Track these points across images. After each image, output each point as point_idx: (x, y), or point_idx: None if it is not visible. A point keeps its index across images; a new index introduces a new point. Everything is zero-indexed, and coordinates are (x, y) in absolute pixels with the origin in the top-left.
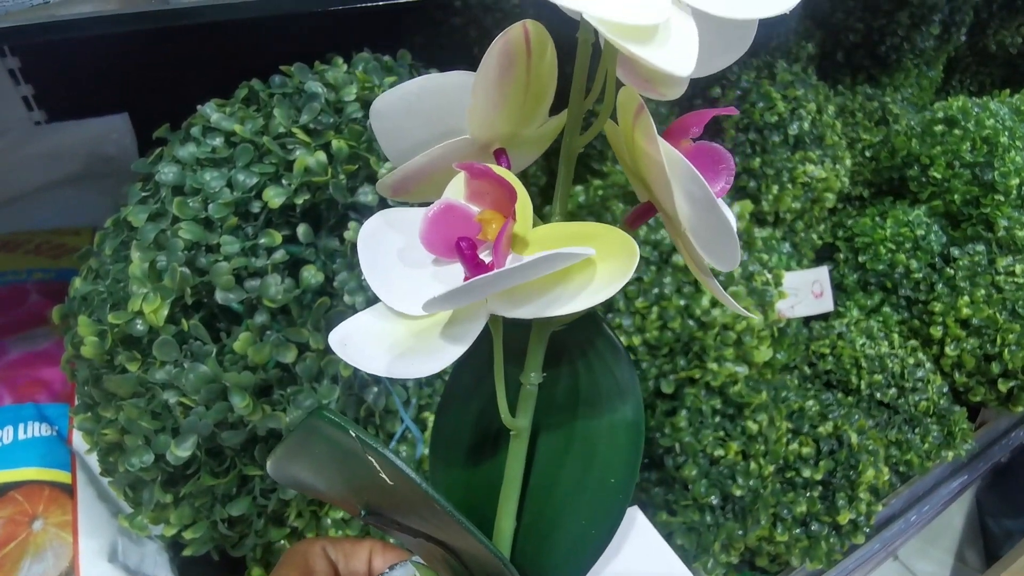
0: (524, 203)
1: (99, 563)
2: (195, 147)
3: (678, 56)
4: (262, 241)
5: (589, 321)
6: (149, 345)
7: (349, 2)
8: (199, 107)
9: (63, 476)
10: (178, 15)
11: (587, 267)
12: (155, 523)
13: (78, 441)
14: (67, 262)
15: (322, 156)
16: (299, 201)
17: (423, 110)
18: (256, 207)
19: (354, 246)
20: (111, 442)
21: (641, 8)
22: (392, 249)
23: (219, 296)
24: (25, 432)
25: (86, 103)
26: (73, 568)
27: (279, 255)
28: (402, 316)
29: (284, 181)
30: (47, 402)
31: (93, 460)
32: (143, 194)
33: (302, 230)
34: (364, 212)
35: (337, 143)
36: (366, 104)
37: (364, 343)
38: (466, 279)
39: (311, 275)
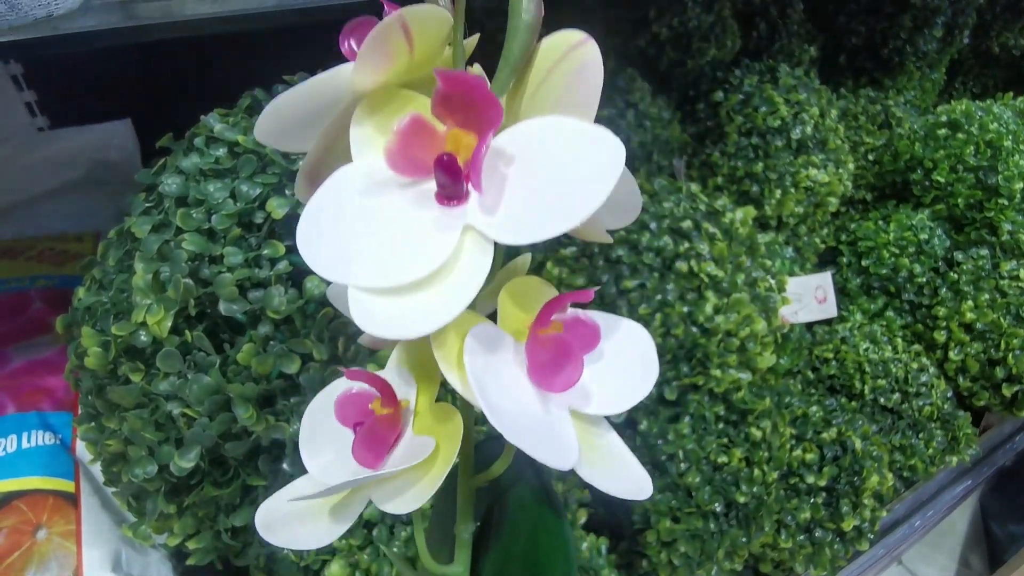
0: (421, 394)
1: (103, 573)
2: (198, 158)
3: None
4: (265, 252)
5: (541, 493)
6: (153, 356)
7: (349, 12)
8: (202, 117)
9: (67, 485)
10: (179, 27)
11: (433, 458)
12: (159, 533)
13: (81, 450)
14: (70, 269)
15: None
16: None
17: (305, 113)
18: (259, 218)
19: None
20: (115, 452)
21: (405, 269)
22: (329, 425)
23: (222, 307)
24: (29, 441)
25: (88, 109)
26: None
27: (282, 266)
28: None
29: (287, 191)
30: (51, 411)
31: (97, 469)
32: (146, 205)
33: None
34: None
35: None
36: None
37: (282, 513)
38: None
39: (314, 286)
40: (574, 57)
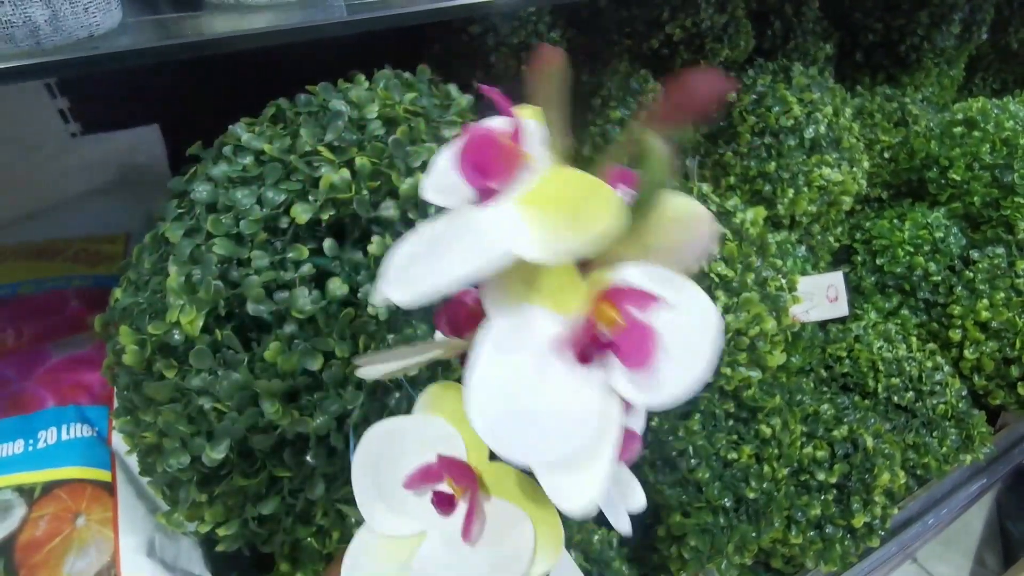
0: (474, 454)
1: (138, 558)
2: (227, 166)
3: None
4: (290, 255)
5: None
6: (185, 354)
7: (372, 25)
8: (230, 127)
9: (104, 475)
10: (210, 45)
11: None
12: (190, 520)
13: (117, 442)
14: (103, 268)
15: (346, 173)
16: (325, 217)
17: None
18: (284, 223)
19: (377, 259)
20: (150, 444)
21: None
22: (389, 474)
23: (250, 307)
24: (68, 433)
25: (118, 115)
26: (114, 562)
27: (306, 268)
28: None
29: (310, 198)
30: (88, 404)
31: (132, 460)
32: (179, 211)
33: (328, 244)
34: (386, 226)
35: (360, 160)
36: (387, 121)
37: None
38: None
39: (336, 287)
40: (694, 227)
